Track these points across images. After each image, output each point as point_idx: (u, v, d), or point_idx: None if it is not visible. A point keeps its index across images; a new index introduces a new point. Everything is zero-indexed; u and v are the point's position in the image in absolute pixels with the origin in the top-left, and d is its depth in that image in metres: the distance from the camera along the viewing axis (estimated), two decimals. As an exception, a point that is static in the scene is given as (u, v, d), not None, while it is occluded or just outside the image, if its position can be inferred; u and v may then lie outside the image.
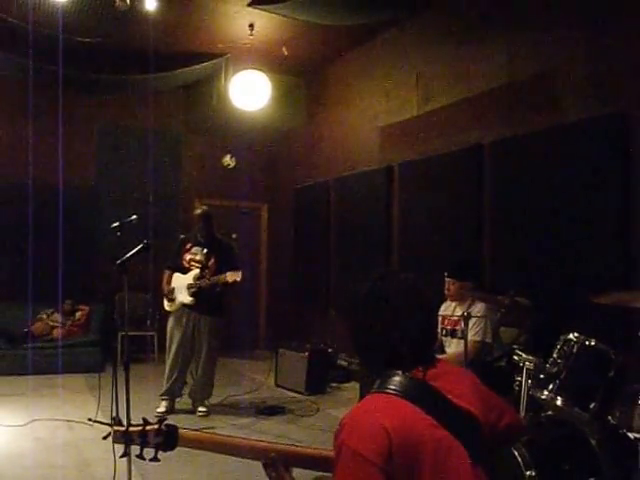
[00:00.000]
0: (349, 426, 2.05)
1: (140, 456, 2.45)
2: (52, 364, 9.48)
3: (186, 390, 8.03)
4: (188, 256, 7.86)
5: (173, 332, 7.83)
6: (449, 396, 2.17)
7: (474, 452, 2.10)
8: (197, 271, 7.74)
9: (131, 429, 2.46)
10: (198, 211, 8.02)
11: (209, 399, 7.97)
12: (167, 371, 7.79)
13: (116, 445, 2.53)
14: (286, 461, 2.43)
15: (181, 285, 7.77)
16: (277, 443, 2.50)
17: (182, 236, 8.21)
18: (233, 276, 7.43)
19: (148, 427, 2.46)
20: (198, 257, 7.83)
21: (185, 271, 7.82)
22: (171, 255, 8.03)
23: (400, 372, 2.18)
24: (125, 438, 2.46)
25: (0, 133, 10.89)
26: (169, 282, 7.89)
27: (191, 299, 7.69)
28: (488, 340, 6.02)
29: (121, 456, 2.65)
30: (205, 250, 7.85)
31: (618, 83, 6.06)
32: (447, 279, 6.38)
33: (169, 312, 7.94)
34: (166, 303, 7.94)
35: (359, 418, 2.07)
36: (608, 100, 6.13)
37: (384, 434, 1.97)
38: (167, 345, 7.91)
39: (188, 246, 7.93)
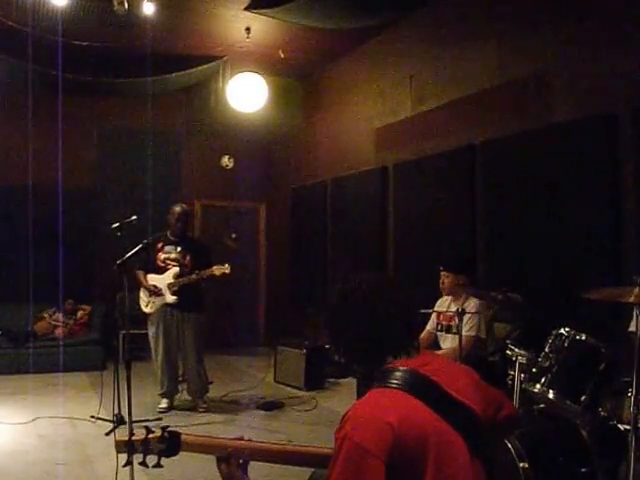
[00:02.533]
0: (353, 420, 2.08)
1: (143, 463, 2.47)
2: (54, 363, 9.52)
3: (182, 386, 8.05)
4: (162, 255, 7.74)
5: (157, 334, 7.72)
6: (449, 390, 2.23)
7: (473, 445, 2.17)
8: (176, 269, 7.63)
9: (134, 438, 2.49)
10: (178, 208, 7.86)
11: (207, 393, 8.01)
12: (160, 374, 7.75)
13: (119, 438, 2.56)
14: (283, 460, 2.49)
15: (160, 285, 7.64)
16: (276, 443, 2.56)
17: (145, 240, 7.87)
18: (221, 269, 7.38)
19: (151, 435, 2.48)
20: (173, 255, 7.73)
21: (161, 271, 7.71)
22: (141, 256, 7.69)
23: (402, 367, 2.24)
24: (128, 448, 2.48)
25: (1, 136, 10.94)
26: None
27: (174, 298, 7.57)
28: (482, 335, 6.05)
29: (124, 465, 2.73)
30: (179, 248, 7.77)
31: (608, 83, 6.07)
32: (442, 272, 6.41)
33: (149, 315, 7.78)
34: (144, 305, 7.77)
35: (363, 412, 2.11)
36: (598, 100, 6.14)
37: (388, 428, 2.01)
38: (153, 348, 7.79)
39: (160, 245, 7.78)
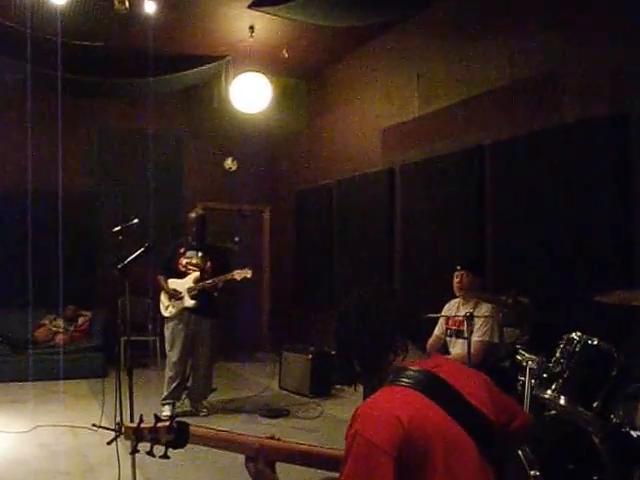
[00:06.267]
0: (363, 416, 2.07)
1: (150, 453, 2.46)
2: (55, 370, 9.46)
3: (185, 393, 8.08)
4: (184, 260, 7.87)
5: (174, 337, 7.83)
6: (462, 393, 2.20)
7: (483, 448, 2.13)
8: (197, 274, 7.77)
9: (142, 426, 2.48)
10: (193, 214, 8.03)
11: (207, 398, 8.13)
12: (170, 376, 7.79)
13: (122, 447, 2.55)
14: (306, 461, 2.47)
15: (180, 289, 7.78)
16: (285, 441, 2.53)
17: (176, 241, 8.20)
18: (242, 274, 7.50)
19: (159, 424, 2.48)
20: (195, 260, 7.86)
21: (182, 275, 7.83)
22: (163, 260, 8.00)
23: (414, 367, 2.22)
24: (136, 435, 2.48)
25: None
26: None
27: (194, 302, 7.69)
28: (495, 340, 5.95)
29: (130, 453, 2.74)
30: (200, 253, 7.89)
31: (619, 83, 6.04)
32: (459, 272, 6.32)
33: (167, 318, 7.91)
34: (163, 309, 7.93)
35: (373, 409, 2.09)
36: (609, 101, 6.11)
37: (398, 424, 1.99)
38: (167, 350, 7.91)
39: (182, 250, 7.93)
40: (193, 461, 5.58)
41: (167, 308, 7.87)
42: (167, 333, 7.91)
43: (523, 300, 5.60)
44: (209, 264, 7.85)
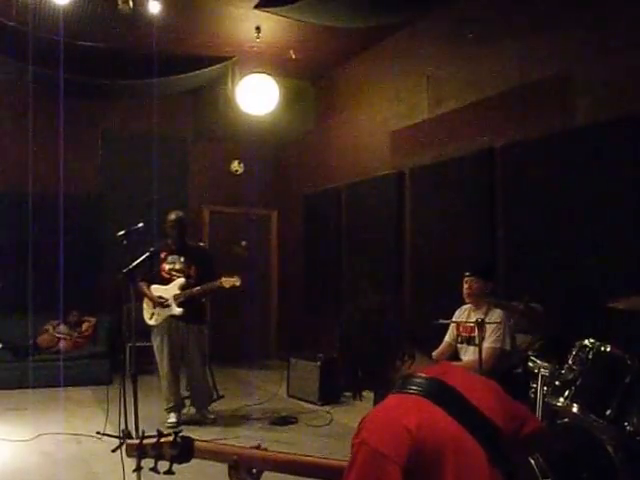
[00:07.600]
0: (370, 425, 2.06)
1: (154, 469, 2.42)
2: (58, 377, 9.39)
3: (188, 400, 8.04)
4: (167, 266, 7.69)
5: (162, 346, 7.69)
6: (469, 399, 2.19)
7: (493, 455, 2.11)
8: (182, 280, 7.60)
9: (145, 442, 2.45)
10: (173, 216, 7.73)
11: (212, 403, 8.07)
12: (166, 386, 7.72)
13: (127, 458, 2.51)
14: (295, 470, 2.43)
15: (166, 296, 7.61)
16: (291, 453, 2.49)
17: (155, 245, 7.73)
18: (230, 282, 7.36)
19: (163, 439, 2.45)
20: (178, 266, 7.68)
21: (166, 282, 7.66)
22: (144, 266, 7.60)
23: (421, 374, 2.21)
24: (138, 451, 2.45)
25: (1, 140, 10.85)
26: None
27: (180, 310, 7.53)
28: (507, 347, 5.90)
29: (134, 470, 2.64)
30: (182, 258, 7.71)
31: (632, 85, 5.99)
32: (468, 278, 6.24)
33: (152, 326, 7.73)
34: (148, 317, 7.74)
35: (380, 417, 2.08)
36: (622, 103, 6.06)
37: (405, 432, 1.98)
38: (158, 360, 7.78)
39: (163, 255, 7.72)
40: (203, 469, 5.48)
41: (152, 316, 7.69)
42: (155, 343, 7.76)
43: (535, 306, 5.65)
44: (193, 269, 7.68)
